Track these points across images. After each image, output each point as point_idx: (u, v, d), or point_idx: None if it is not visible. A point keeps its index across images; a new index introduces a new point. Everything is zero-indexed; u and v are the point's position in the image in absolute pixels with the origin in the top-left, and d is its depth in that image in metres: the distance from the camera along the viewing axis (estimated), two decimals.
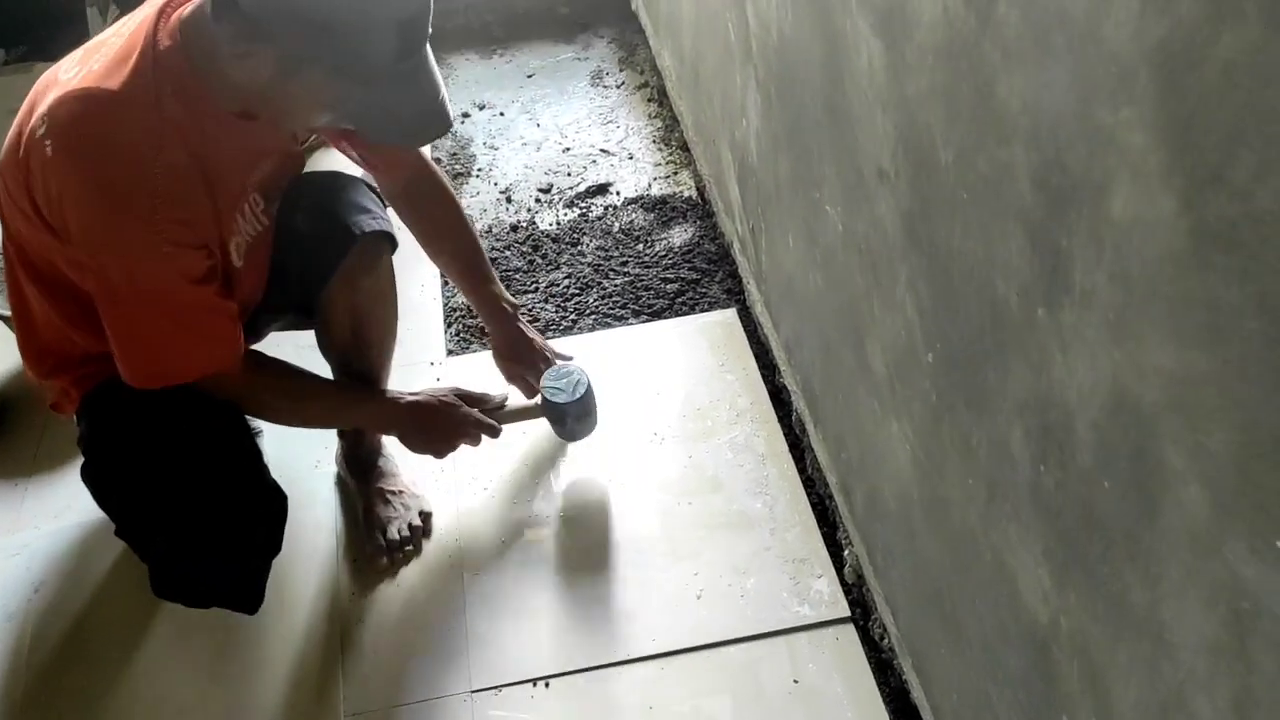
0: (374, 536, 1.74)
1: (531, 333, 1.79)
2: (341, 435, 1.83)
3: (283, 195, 1.52)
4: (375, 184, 1.68)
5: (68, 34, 3.27)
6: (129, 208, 1.25)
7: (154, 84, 1.25)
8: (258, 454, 1.56)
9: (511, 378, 1.80)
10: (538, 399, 1.73)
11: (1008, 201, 0.88)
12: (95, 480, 1.51)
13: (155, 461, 1.45)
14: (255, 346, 1.55)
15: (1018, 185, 0.85)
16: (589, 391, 1.73)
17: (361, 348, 1.67)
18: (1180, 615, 0.74)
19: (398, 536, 1.73)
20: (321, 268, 1.56)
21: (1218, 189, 0.61)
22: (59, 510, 1.84)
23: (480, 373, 1.99)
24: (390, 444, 1.82)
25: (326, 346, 1.67)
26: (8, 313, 1.96)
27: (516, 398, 1.77)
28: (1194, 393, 0.67)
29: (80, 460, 1.51)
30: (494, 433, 1.67)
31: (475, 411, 1.66)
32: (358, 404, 1.64)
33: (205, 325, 1.37)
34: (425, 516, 1.77)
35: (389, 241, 1.61)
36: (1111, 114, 0.70)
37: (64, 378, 1.50)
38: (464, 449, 1.66)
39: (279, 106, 1.29)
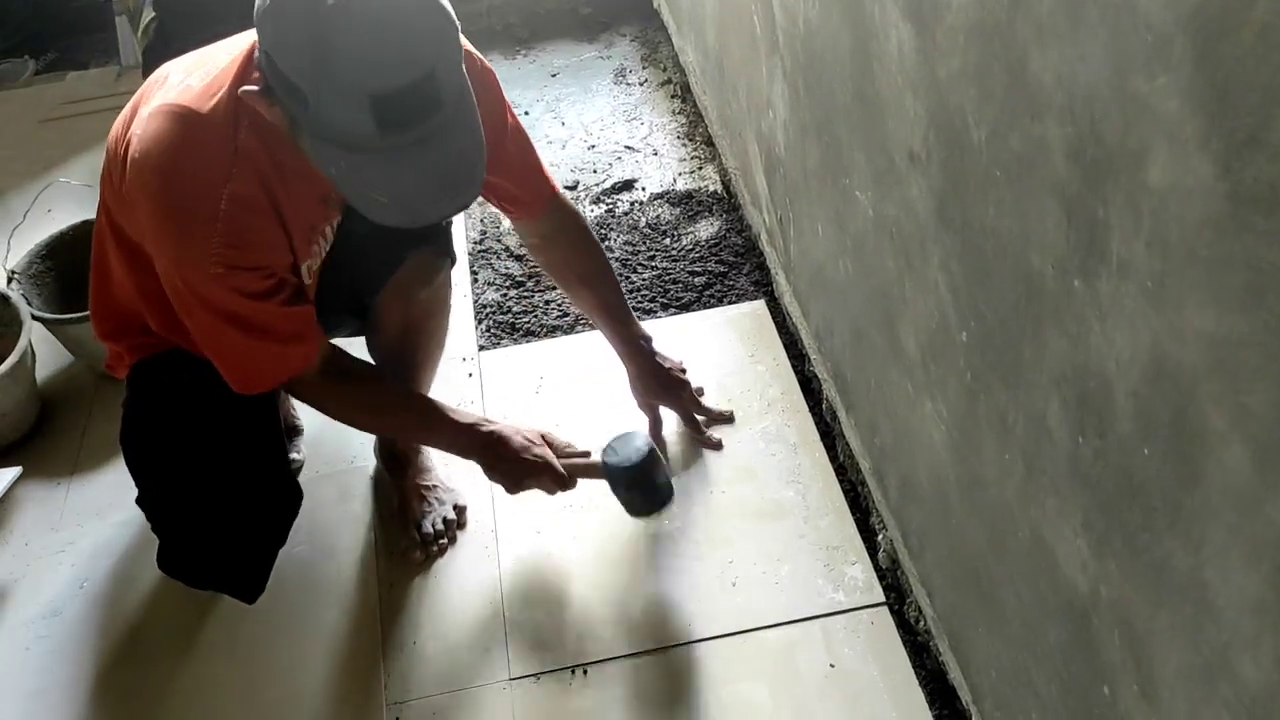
0: (409, 531, 1.76)
1: (670, 363, 1.83)
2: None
3: None
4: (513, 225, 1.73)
5: (96, 42, 3.34)
6: (187, 229, 1.29)
7: (234, 115, 1.27)
8: (282, 449, 1.61)
9: (646, 408, 1.84)
10: (599, 460, 1.61)
11: (1042, 176, 0.89)
12: (127, 445, 1.56)
13: (182, 440, 1.51)
14: None
15: (1052, 159, 0.86)
16: (646, 460, 1.57)
17: (408, 357, 1.70)
18: (1223, 577, 0.75)
19: (432, 530, 1.75)
20: (378, 273, 1.58)
21: (1256, 151, 0.62)
22: (102, 508, 1.87)
23: (512, 367, 2.02)
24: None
25: (373, 347, 1.70)
26: (49, 315, 2.00)
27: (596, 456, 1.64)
28: (1235, 354, 0.68)
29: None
30: (566, 484, 1.57)
31: (553, 459, 1.56)
32: (439, 426, 1.56)
33: (273, 332, 1.38)
34: (460, 510, 1.78)
35: (448, 257, 1.64)
36: (1147, 82, 0.71)
37: (123, 342, 1.55)
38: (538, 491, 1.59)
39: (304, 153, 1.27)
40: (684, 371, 1.88)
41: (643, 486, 1.60)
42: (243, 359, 1.41)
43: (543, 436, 1.59)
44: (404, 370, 1.70)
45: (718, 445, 1.85)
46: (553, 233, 1.69)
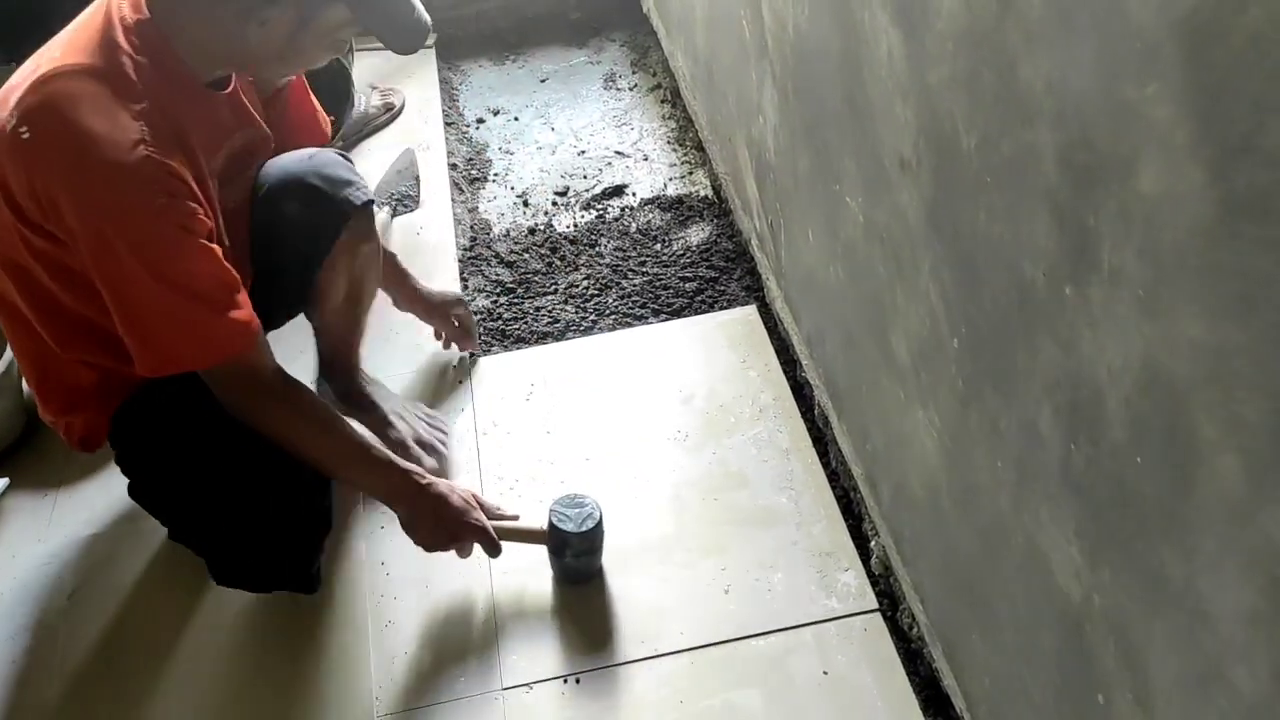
0: (407, 448, 1.79)
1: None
2: (328, 378, 1.88)
3: (265, 181, 1.56)
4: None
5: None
6: (118, 163, 1.24)
7: (128, 53, 1.27)
8: None
9: (430, 316, 1.99)
10: (542, 526, 1.61)
11: (1033, 183, 0.88)
12: (142, 495, 1.56)
13: (193, 464, 1.48)
14: None
15: (1043, 166, 0.86)
16: (598, 528, 1.59)
17: (352, 307, 1.77)
18: (1217, 586, 0.74)
19: (426, 435, 1.84)
20: (322, 246, 1.62)
21: (1248, 158, 0.62)
22: (89, 519, 1.86)
23: (503, 374, 2.01)
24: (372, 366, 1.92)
25: (319, 317, 1.75)
26: None
27: (526, 520, 1.64)
28: (1227, 363, 0.68)
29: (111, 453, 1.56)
30: (495, 550, 1.57)
31: (488, 524, 1.56)
32: (380, 463, 1.52)
33: (219, 296, 1.33)
34: (430, 414, 1.90)
35: (373, 205, 1.69)
36: (1138, 89, 0.70)
37: (86, 410, 1.51)
38: (452, 554, 1.57)
39: (278, 60, 1.39)
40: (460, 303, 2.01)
41: (591, 553, 1.62)
42: (181, 326, 1.32)
43: (475, 498, 1.57)
44: (352, 326, 1.80)
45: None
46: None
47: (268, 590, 1.65)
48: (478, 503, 1.57)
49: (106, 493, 1.88)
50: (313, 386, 1.87)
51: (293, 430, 1.46)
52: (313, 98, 1.75)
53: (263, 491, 1.50)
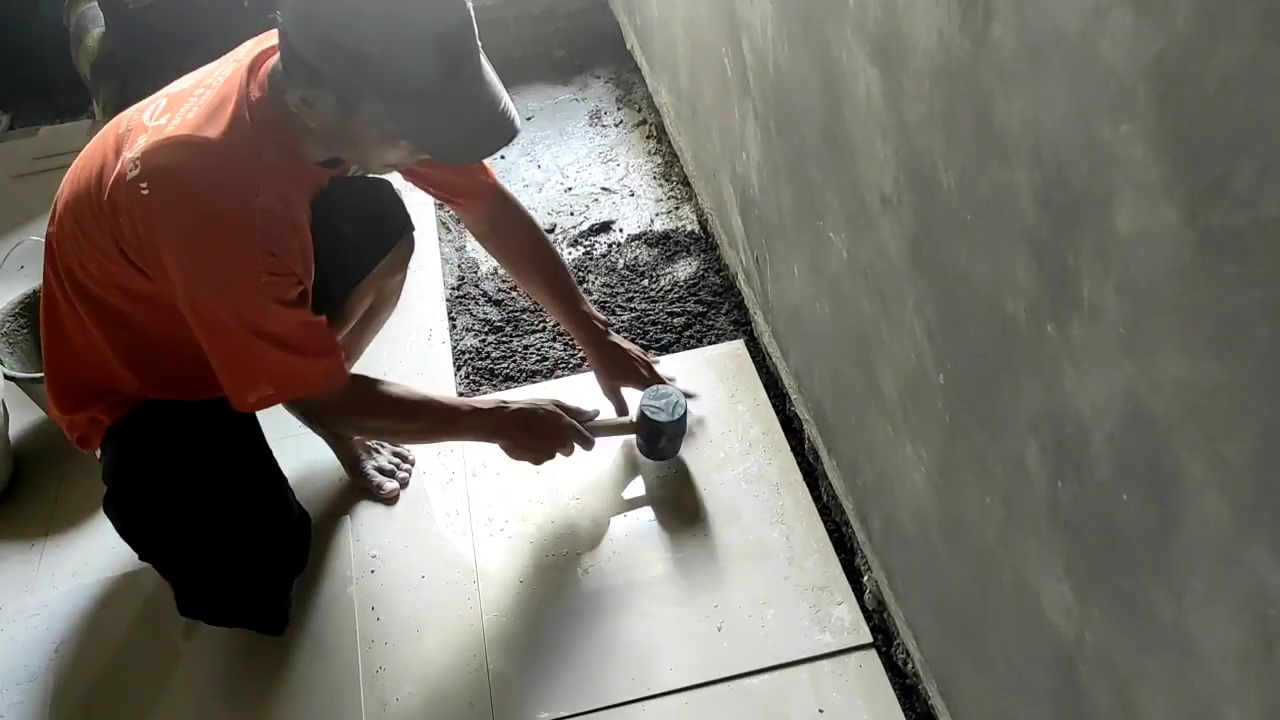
0: (369, 478, 1.89)
1: (626, 345, 1.88)
2: None
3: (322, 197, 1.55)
4: (461, 218, 1.83)
5: (70, 97, 3.33)
6: (229, 245, 1.30)
7: (253, 134, 1.30)
8: (281, 478, 1.64)
9: (610, 392, 1.88)
10: (631, 415, 1.80)
11: (1012, 221, 0.88)
12: (120, 507, 1.54)
13: (183, 486, 1.50)
14: None
15: (1021, 204, 0.86)
16: (687, 413, 1.79)
17: (362, 330, 1.82)
18: (1206, 625, 0.74)
19: (387, 465, 1.91)
20: (362, 267, 1.69)
21: (1221, 198, 0.62)
22: (76, 569, 1.84)
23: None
24: None
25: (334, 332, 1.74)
26: (22, 374, 1.98)
27: (608, 413, 1.84)
28: (1208, 402, 0.68)
29: (99, 498, 1.55)
30: (589, 444, 1.69)
31: (574, 422, 1.68)
32: (468, 414, 1.62)
33: (310, 344, 1.40)
34: (401, 455, 1.95)
35: (412, 233, 1.77)
36: (1112, 129, 0.70)
37: (95, 407, 1.53)
38: (558, 459, 1.68)
39: (356, 148, 1.33)
40: (646, 352, 1.96)
41: (679, 436, 1.82)
42: (277, 373, 1.40)
43: (557, 404, 1.68)
44: (352, 348, 1.84)
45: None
46: (500, 220, 1.78)
47: (230, 625, 1.66)
48: (561, 408, 1.68)
49: (94, 543, 1.87)
50: None
51: (381, 432, 1.63)
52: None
53: (241, 524, 1.52)
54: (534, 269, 1.82)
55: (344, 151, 1.36)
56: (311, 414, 1.52)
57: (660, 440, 1.80)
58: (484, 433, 1.64)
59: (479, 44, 1.28)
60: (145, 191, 1.28)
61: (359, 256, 1.68)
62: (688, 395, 1.89)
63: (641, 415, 1.78)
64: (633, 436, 1.84)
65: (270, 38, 1.38)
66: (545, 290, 1.83)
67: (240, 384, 1.41)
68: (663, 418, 1.76)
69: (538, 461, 1.67)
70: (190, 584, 1.59)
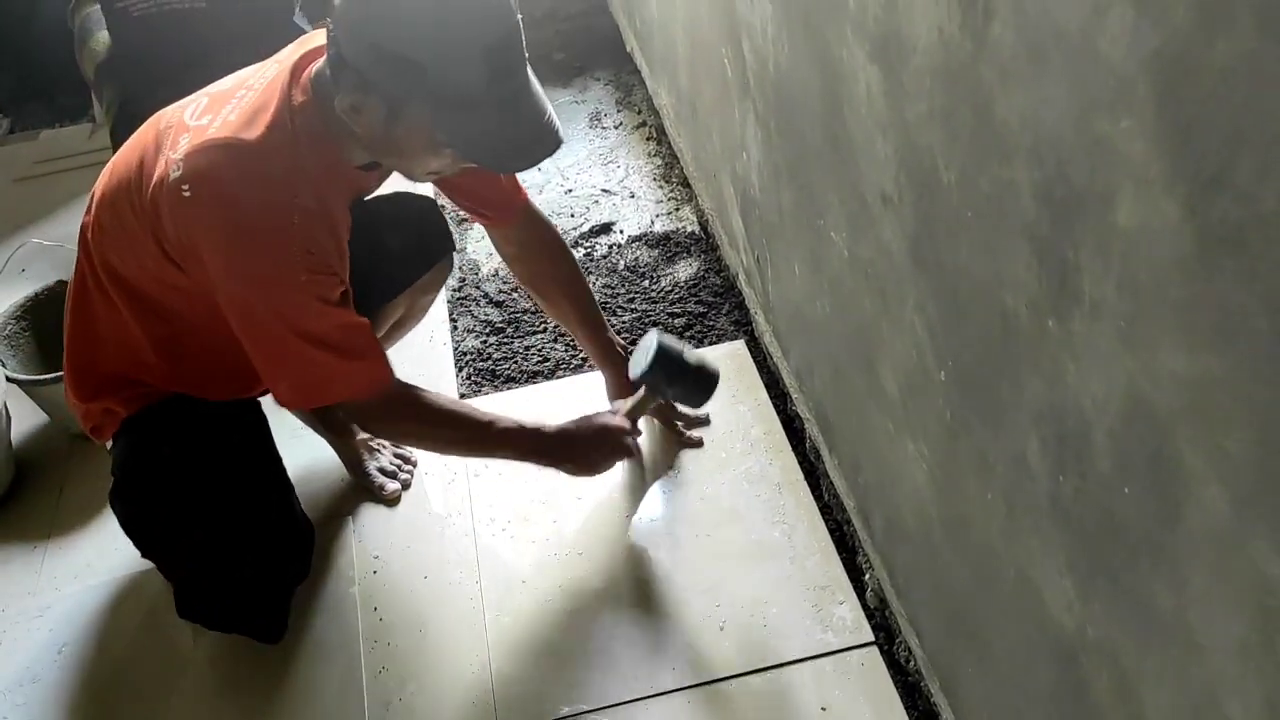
0: (371, 478, 1.90)
1: None
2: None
3: (367, 209, 1.55)
4: (489, 236, 1.82)
5: (69, 100, 3.34)
6: (268, 244, 1.32)
7: (293, 137, 1.32)
8: (288, 485, 1.64)
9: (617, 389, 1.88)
10: (642, 389, 1.74)
11: (1012, 218, 0.89)
12: (126, 501, 1.55)
13: (191, 486, 1.51)
14: None
15: (1021, 201, 0.87)
16: (661, 351, 1.67)
17: (385, 341, 1.81)
18: (1208, 617, 0.74)
19: (389, 465, 1.92)
20: (401, 280, 1.72)
21: (1221, 192, 0.62)
22: (79, 571, 1.85)
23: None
24: None
25: None
26: (24, 376, 1.99)
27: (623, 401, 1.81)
28: (1209, 395, 0.68)
29: (103, 496, 1.56)
30: (636, 433, 1.67)
31: (612, 420, 1.64)
32: (509, 434, 1.57)
33: (350, 344, 1.41)
34: (403, 457, 1.95)
35: (453, 260, 1.80)
36: (1111, 125, 0.71)
37: (113, 398, 1.54)
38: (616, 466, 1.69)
39: (400, 154, 1.34)
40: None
41: (680, 376, 1.70)
42: (322, 373, 1.40)
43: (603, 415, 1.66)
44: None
45: (698, 443, 1.92)
46: (529, 240, 1.77)
47: (228, 630, 1.66)
48: (595, 415, 1.66)
49: (97, 545, 1.87)
50: None
51: (428, 435, 1.57)
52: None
53: (248, 527, 1.53)
54: (563, 295, 1.80)
55: (388, 158, 1.37)
56: (352, 417, 1.53)
57: (664, 390, 1.71)
58: (524, 456, 1.60)
59: (526, 55, 1.29)
60: (187, 193, 1.30)
61: (400, 269, 1.71)
62: (702, 423, 1.93)
63: (643, 380, 1.69)
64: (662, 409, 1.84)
65: (312, 40, 1.39)
66: (573, 317, 1.82)
67: (282, 382, 1.42)
68: (639, 371, 1.69)
69: (593, 473, 1.64)
70: (191, 585, 1.60)
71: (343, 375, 1.42)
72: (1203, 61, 0.61)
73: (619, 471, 1.86)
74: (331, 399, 1.46)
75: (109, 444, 1.57)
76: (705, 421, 1.93)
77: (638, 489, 1.85)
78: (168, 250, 1.37)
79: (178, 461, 1.51)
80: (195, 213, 1.31)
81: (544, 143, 1.32)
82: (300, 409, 1.46)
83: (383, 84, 1.22)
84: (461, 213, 1.84)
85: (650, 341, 1.70)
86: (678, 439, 1.92)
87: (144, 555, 1.60)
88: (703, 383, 1.73)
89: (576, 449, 1.61)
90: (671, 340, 1.70)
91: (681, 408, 1.87)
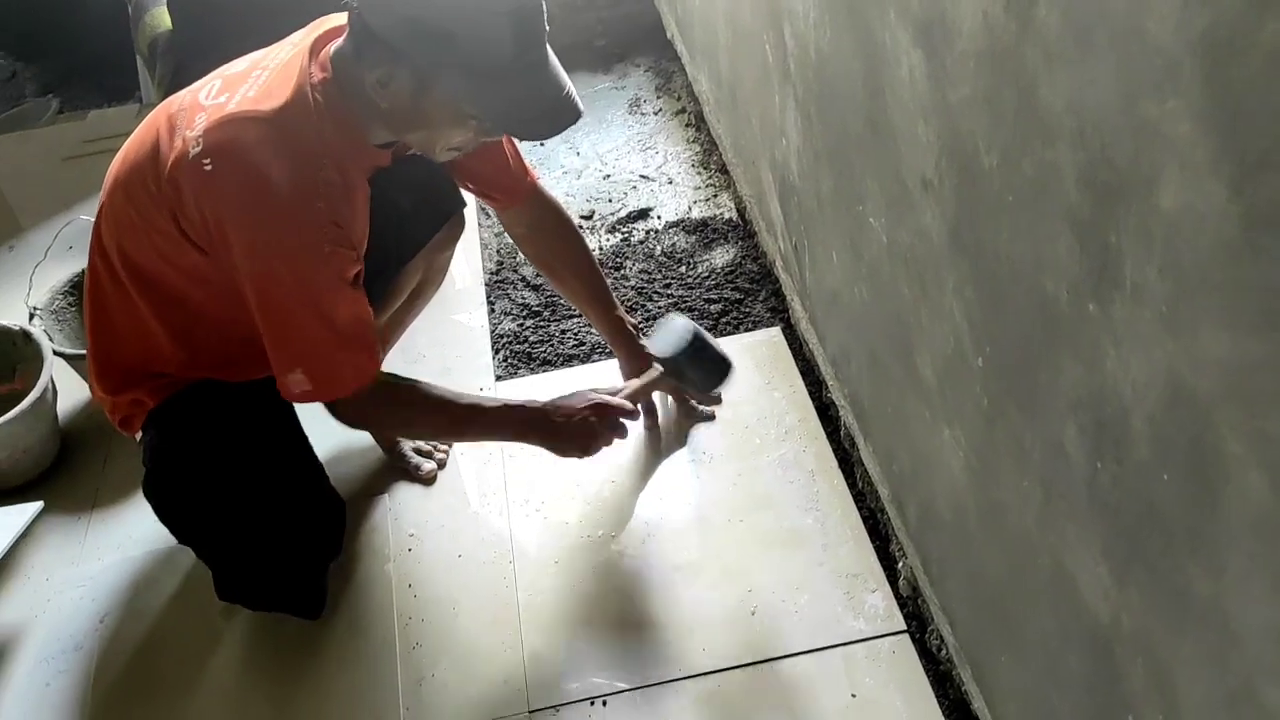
0: (406, 460, 1.92)
1: None
2: None
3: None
4: (496, 217, 1.85)
5: (117, 80, 3.38)
6: (294, 213, 1.32)
7: (314, 112, 1.33)
8: (315, 462, 1.65)
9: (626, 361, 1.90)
10: (656, 368, 1.76)
11: (1054, 202, 0.88)
12: (159, 490, 1.56)
13: (222, 471, 1.52)
14: None
15: (1064, 185, 0.86)
16: (696, 338, 1.73)
17: (407, 308, 1.84)
18: (1246, 604, 0.74)
19: (426, 445, 1.94)
20: (416, 241, 1.72)
21: (1268, 174, 0.61)
22: (121, 541, 1.88)
23: (528, 398, 2.02)
24: None
25: (379, 308, 1.72)
26: (71, 351, 2.02)
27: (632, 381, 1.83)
28: (1251, 379, 0.68)
29: (142, 476, 1.57)
30: (633, 415, 1.66)
31: (605, 397, 1.63)
32: (494, 413, 1.59)
33: (352, 332, 1.41)
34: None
35: (464, 218, 1.82)
36: (1157, 107, 0.70)
37: (139, 389, 1.54)
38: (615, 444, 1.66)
39: (425, 128, 1.35)
40: None
41: (701, 363, 1.76)
42: (322, 359, 1.40)
43: (594, 391, 1.66)
44: (396, 325, 1.88)
45: (710, 417, 1.94)
46: (538, 221, 1.79)
47: (268, 609, 1.69)
48: (592, 391, 1.65)
49: (139, 517, 1.90)
50: None
51: (403, 427, 1.64)
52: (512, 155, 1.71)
53: (278, 509, 1.55)
54: (572, 274, 1.83)
55: (412, 133, 1.37)
56: (336, 415, 1.50)
57: (683, 373, 1.75)
58: (513, 436, 1.61)
59: (547, 28, 1.31)
60: (209, 167, 1.30)
61: (414, 230, 1.71)
62: (713, 401, 1.92)
63: (661, 361, 1.74)
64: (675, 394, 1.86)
65: (325, 23, 1.40)
66: (582, 295, 1.84)
67: (290, 370, 1.40)
68: (664, 352, 1.73)
69: (588, 454, 1.61)
70: (228, 569, 1.62)
71: (336, 365, 1.41)
72: (1251, 42, 0.61)
73: (648, 455, 1.87)
74: (321, 394, 1.44)
75: (139, 435, 1.58)
76: (717, 399, 1.94)
77: (670, 473, 1.85)
78: (186, 231, 1.37)
79: (207, 447, 1.52)
80: (218, 186, 1.31)
81: (567, 111, 1.35)
82: (295, 401, 1.45)
83: (412, 55, 1.24)
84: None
85: (677, 324, 1.72)
86: (689, 414, 1.94)
87: (181, 542, 1.62)
88: (723, 369, 1.79)
89: (561, 429, 1.59)
90: (699, 330, 1.74)
91: (689, 391, 1.89)
